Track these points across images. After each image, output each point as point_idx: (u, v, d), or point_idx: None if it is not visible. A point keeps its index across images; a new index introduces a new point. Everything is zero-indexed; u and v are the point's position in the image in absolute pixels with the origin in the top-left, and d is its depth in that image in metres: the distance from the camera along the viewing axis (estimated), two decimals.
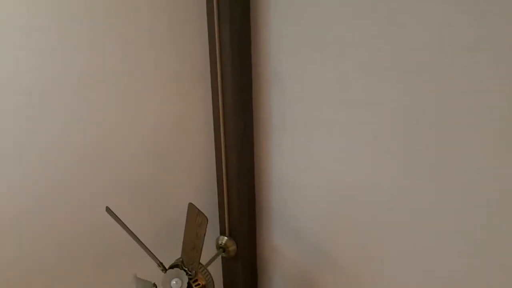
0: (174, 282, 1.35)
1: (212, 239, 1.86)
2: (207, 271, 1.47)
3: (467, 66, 1.05)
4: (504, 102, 1.00)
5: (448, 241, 1.20)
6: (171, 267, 1.42)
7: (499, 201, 1.07)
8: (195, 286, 1.41)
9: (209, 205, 1.83)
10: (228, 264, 1.93)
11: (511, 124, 1.00)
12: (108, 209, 1.39)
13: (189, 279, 1.39)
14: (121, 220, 1.37)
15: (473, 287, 1.17)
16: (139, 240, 1.40)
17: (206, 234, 1.39)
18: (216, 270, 1.94)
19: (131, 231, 1.39)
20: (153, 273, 1.41)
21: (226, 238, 1.81)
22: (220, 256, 1.83)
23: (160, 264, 1.44)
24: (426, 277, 1.29)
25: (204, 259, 1.48)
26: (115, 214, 1.37)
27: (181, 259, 1.45)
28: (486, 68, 1.02)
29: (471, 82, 1.05)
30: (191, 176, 1.79)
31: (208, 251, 1.71)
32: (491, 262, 1.12)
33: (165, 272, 1.40)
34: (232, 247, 1.81)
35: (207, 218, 1.37)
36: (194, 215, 1.41)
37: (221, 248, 1.81)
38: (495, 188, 1.07)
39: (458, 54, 1.05)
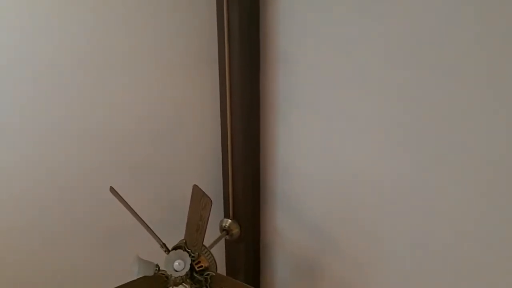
0: (177, 264, 1.35)
1: (216, 222, 1.85)
2: (210, 253, 1.47)
3: (476, 62, 1.03)
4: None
5: (446, 226, 1.20)
6: (174, 248, 1.42)
7: (494, 187, 1.07)
8: (198, 268, 1.41)
9: (213, 188, 1.82)
10: (231, 247, 1.93)
11: None
12: (112, 189, 1.38)
13: (192, 260, 1.39)
14: (125, 201, 1.37)
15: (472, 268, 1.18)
16: (143, 220, 1.39)
17: (210, 217, 1.38)
18: (219, 252, 1.94)
19: (135, 212, 1.38)
20: (156, 254, 1.41)
21: (230, 220, 1.81)
22: (223, 238, 1.83)
23: (163, 245, 1.43)
24: (424, 257, 1.29)
25: (207, 241, 1.48)
26: (119, 194, 1.37)
27: (184, 241, 1.44)
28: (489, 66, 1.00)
29: (479, 76, 1.03)
30: (196, 158, 1.77)
31: (211, 234, 1.70)
32: (483, 239, 1.13)
33: (168, 254, 1.40)
34: (236, 230, 1.80)
35: (211, 200, 1.36)
36: (198, 197, 1.40)
37: (225, 230, 1.81)
38: (492, 174, 1.06)
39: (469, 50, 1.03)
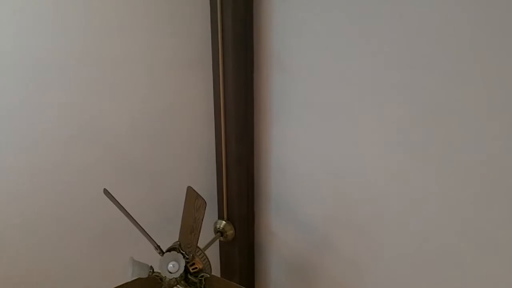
0: (171, 265, 1.35)
1: (210, 223, 1.85)
2: (205, 254, 1.47)
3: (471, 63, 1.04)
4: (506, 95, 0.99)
5: (444, 226, 1.20)
6: (169, 250, 1.42)
7: (493, 187, 1.07)
8: (192, 269, 1.41)
9: (207, 189, 1.82)
10: (225, 248, 1.93)
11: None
12: (106, 191, 1.37)
13: (186, 262, 1.38)
14: (119, 203, 1.36)
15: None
16: (137, 222, 1.39)
17: (204, 218, 1.38)
18: (213, 254, 1.94)
19: (129, 214, 1.38)
20: (150, 256, 1.41)
21: (224, 222, 1.81)
22: (217, 240, 1.83)
23: (158, 247, 1.43)
24: (420, 257, 1.30)
25: (201, 243, 1.48)
26: (113, 196, 1.36)
27: (178, 243, 1.44)
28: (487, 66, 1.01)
29: (473, 77, 1.04)
30: (190, 159, 1.77)
31: (206, 235, 1.70)
32: (481, 239, 1.14)
33: (162, 255, 1.40)
34: (230, 231, 1.80)
35: (205, 202, 1.36)
36: (192, 198, 1.40)
37: (219, 232, 1.81)
38: (491, 175, 1.07)
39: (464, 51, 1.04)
